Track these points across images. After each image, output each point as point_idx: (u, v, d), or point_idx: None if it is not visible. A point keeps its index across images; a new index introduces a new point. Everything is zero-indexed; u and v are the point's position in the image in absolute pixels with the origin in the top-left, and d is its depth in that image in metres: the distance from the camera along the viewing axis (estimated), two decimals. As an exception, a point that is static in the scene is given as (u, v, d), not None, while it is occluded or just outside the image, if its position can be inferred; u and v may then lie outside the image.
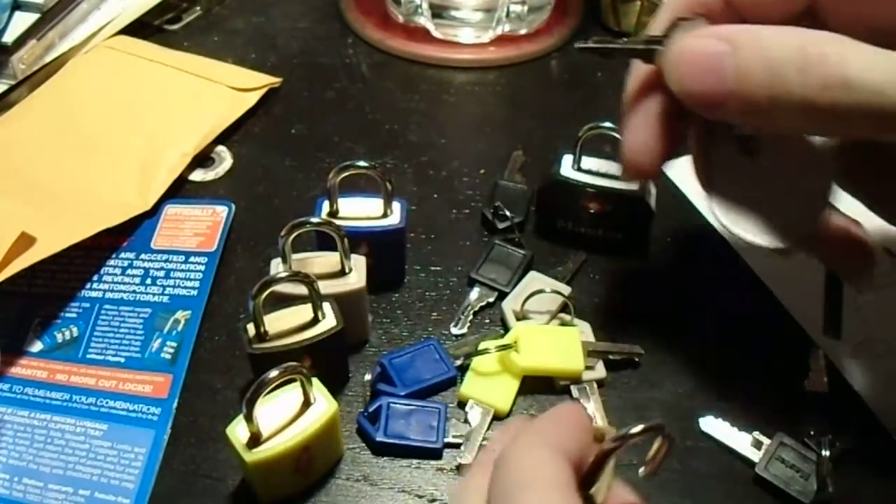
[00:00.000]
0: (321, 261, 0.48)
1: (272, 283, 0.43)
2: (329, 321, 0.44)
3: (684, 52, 0.37)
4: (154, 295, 0.52)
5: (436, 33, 0.74)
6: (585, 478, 0.39)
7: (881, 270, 0.52)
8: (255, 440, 0.39)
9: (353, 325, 0.46)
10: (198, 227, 0.56)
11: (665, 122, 0.41)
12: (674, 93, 0.38)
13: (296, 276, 0.43)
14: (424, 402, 0.46)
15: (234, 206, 0.57)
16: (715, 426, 0.46)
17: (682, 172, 0.60)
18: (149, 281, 0.53)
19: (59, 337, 0.50)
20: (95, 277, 0.53)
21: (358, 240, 0.49)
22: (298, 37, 0.76)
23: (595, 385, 0.48)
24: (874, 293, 0.51)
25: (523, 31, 0.75)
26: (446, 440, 0.45)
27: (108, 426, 0.46)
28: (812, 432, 0.45)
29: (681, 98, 0.38)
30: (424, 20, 0.73)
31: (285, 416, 0.40)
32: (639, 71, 0.42)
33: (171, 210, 0.57)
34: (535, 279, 0.52)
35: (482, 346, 0.48)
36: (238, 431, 0.39)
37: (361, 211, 0.50)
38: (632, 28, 0.71)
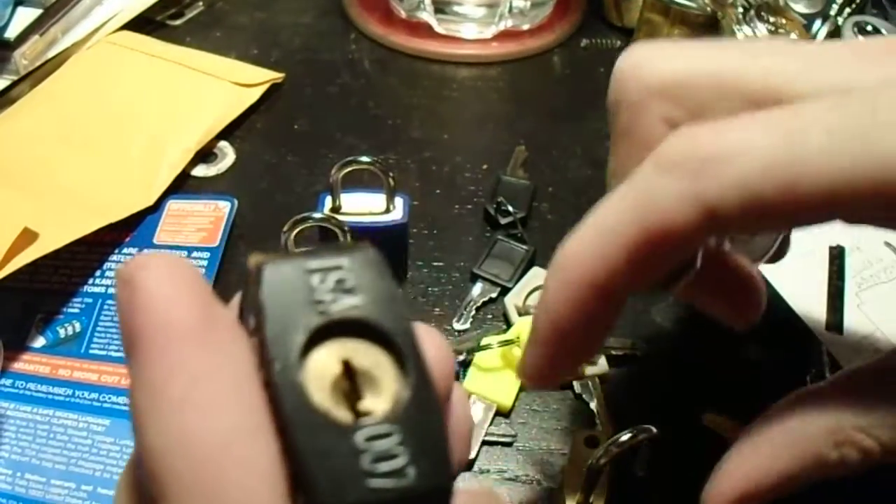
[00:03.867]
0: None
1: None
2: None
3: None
4: (156, 290, 0.52)
5: (438, 29, 0.73)
6: (583, 488, 0.39)
7: (883, 266, 0.52)
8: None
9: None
10: (200, 222, 0.56)
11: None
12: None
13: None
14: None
15: (236, 202, 0.57)
16: (717, 421, 0.46)
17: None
18: (151, 276, 0.53)
19: (62, 332, 0.50)
20: (98, 273, 0.53)
21: (360, 235, 0.49)
22: (301, 32, 0.76)
23: (597, 380, 0.48)
24: (877, 289, 0.51)
25: (525, 27, 0.74)
26: (449, 435, 0.45)
27: (110, 421, 0.46)
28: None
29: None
30: (427, 16, 0.73)
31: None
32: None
33: (173, 205, 0.57)
34: (537, 275, 0.52)
35: (484, 341, 0.48)
36: None
37: (364, 206, 0.50)
38: (634, 24, 0.70)
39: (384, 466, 0.19)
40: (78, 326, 0.50)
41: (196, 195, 0.58)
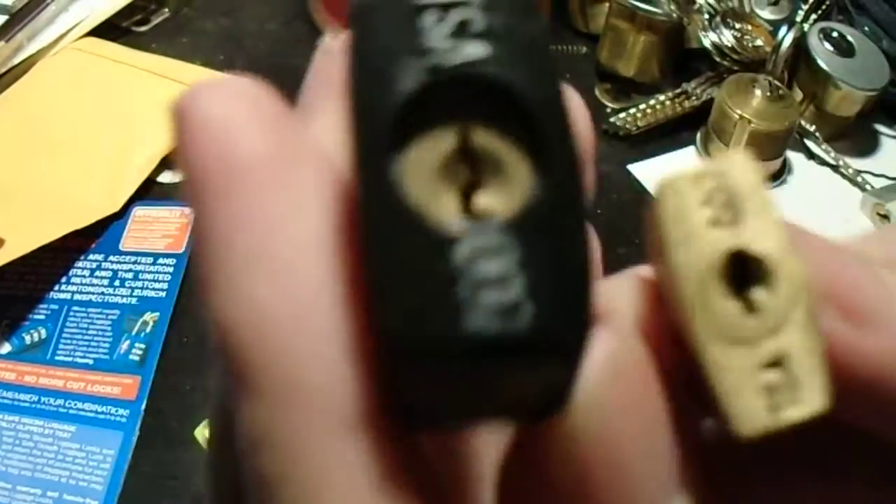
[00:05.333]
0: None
1: None
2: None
3: None
4: (122, 297, 0.52)
5: (405, 35, 0.74)
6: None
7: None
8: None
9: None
10: (166, 228, 0.56)
11: None
12: None
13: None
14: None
15: (202, 208, 0.57)
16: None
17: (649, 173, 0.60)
18: (117, 283, 0.53)
19: (28, 339, 0.50)
20: (64, 279, 0.53)
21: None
22: (267, 38, 0.76)
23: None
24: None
25: (492, 33, 0.75)
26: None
27: (76, 428, 0.46)
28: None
29: None
30: (393, 22, 0.74)
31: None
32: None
33: (139, 212, 0.57)
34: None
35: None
36: (208, 433, 0.40)
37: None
38: (600, 30, 0.71)
39: (490, 297, 0.12)
40: (44, 333, 0.50)
41: (162, 201, 0.58)
